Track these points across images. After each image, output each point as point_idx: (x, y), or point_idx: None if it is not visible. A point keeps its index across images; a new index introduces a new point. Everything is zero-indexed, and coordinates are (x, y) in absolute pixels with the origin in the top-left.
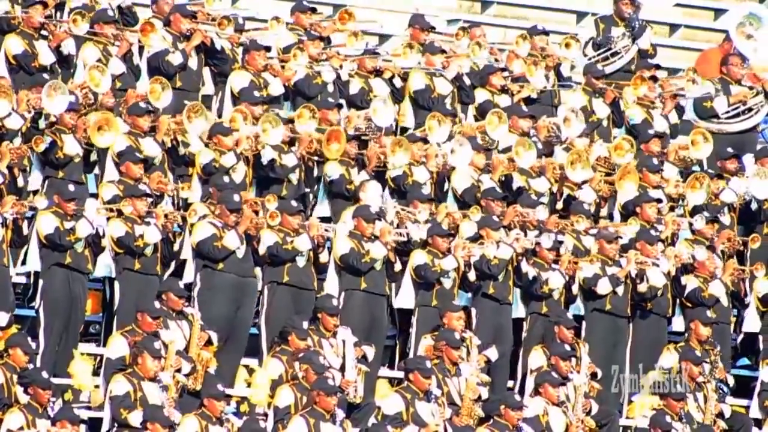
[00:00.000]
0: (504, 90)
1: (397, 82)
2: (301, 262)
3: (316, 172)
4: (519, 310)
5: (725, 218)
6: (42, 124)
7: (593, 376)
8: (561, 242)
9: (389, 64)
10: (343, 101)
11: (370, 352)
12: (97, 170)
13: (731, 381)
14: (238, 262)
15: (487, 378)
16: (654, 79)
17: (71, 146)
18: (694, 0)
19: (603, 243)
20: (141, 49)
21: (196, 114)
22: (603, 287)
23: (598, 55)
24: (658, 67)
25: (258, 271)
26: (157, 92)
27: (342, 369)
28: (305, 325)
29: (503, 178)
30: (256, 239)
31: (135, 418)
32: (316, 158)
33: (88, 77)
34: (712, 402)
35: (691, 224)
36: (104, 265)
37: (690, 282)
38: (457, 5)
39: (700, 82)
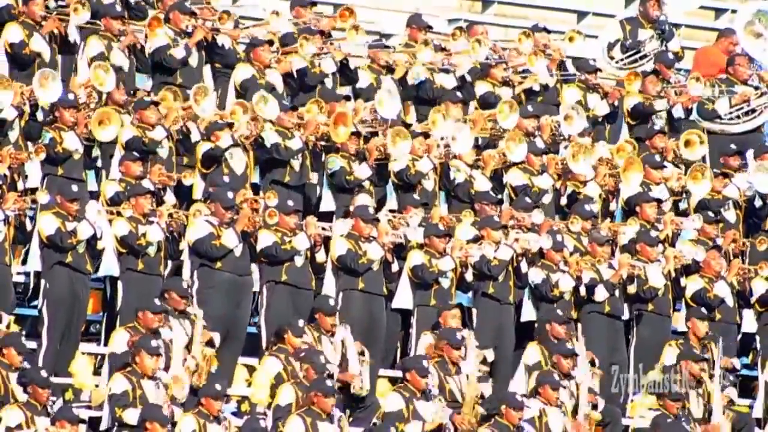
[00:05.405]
0: (505, 82)
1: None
2: (299, 261)
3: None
4: (530, 314)
5: (731, 216)
6: (40, 116)
7: (592, 363)
8: (562, 243)
9: (397, 58)
10: (349, 94)
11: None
12: (100, 163)
13: (737, 365)
14: (236, 260)
15: (487, 368)
16: (656, 73)
17: (71, 142)
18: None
19: (595, 246)
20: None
21: (203, 96)
22: (600, 294)
23: (627, 57)
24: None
25: (255, 269)
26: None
27: (342, 365)
28: (302, 324)
29: (493, 174)
30: (254, 237)
31: (130, 416)
32: (322, 143)
33: (93, 76)
34: (717, 394)
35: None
36: (107, 265)
37: (695, 283)
38: (457, 4)
39: (703, 83)
